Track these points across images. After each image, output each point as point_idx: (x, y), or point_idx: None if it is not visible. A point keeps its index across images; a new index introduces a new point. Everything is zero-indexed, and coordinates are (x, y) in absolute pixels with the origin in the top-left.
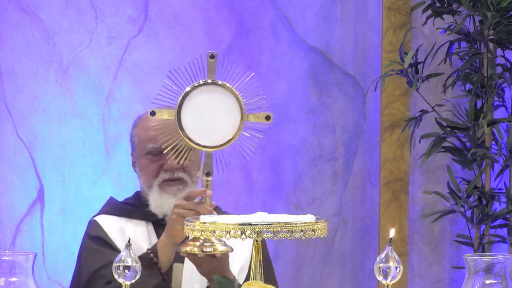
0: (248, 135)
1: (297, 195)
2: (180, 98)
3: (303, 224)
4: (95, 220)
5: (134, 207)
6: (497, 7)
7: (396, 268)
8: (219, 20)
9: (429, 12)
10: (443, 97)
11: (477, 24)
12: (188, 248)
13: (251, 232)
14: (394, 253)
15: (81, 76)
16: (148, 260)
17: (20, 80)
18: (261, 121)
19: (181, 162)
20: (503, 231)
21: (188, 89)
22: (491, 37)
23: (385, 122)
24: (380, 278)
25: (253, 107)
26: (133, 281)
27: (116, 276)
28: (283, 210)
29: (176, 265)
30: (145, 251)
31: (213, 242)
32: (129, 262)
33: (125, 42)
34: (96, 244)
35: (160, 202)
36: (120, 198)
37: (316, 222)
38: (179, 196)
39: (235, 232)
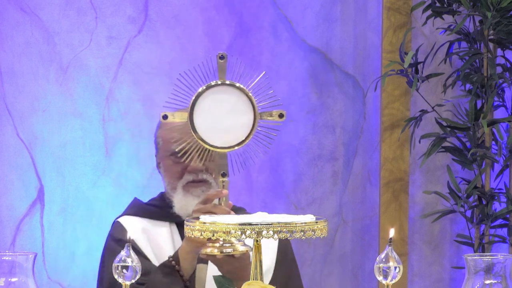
0: (261, 134)
1: (297, 195)
2: (192, 100)
3: (303, 224)
4: (118, 222)
5: (158, 208)
6: (497, 7)
7: (396, 268)
8: (219, 20)
9: (429, 12)
10: (443, 97)
11: (477, 24)
12: (208, 250)
13: (251, 232)
14: (394, 253)
15: (81, 76)
16: (171, 268)
17: (20, 80)
18: (275, 119)
19: (196, 164)
20: (503, 231)
21: (199, 90)
22: (491, 37)
23: (385, 122)
24: (380, 278)
25: (266, 106)
26: (133, 281)
27: (116, 276)
28: (283, 210)
29: (199, 266)
30: (167, 258)
31: (233, 243)
32: (128, 262)
33: (125, 42)
34: (120, 246)
35: (184, 203)
36: (120, 197)
37: (316, 222)
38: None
39: (235, 232)
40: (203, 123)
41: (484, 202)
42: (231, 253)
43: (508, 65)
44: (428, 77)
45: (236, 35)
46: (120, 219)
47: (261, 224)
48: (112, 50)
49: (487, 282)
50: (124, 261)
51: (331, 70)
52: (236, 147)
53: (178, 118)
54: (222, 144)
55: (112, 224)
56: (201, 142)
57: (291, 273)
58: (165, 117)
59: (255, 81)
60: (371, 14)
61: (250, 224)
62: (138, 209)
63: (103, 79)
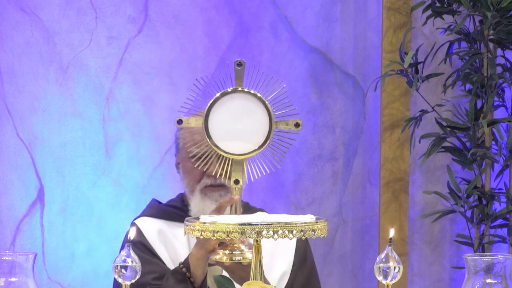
0: (277, 142)
1: (297, 195)
2: (208, 105)
3: (303, 224)
4: (135, 223)
5: (176, 209)
6: (497, 7)
7: (396, 268)
8: (219, 20)
9: (429, 12)
10: (443, 97)
11: (477, 24)
12: (218, 257)
13: (251, 232)
14: (394, 253)
15: (81, 76)
16: (182, 275)
17: (20, 80)
18: (291, 128)
19: (210, 170)
20: (503, 231)
21: (216, 96)
22: (491, 37)
23: (385, 122)
24: (380, 278)
25: (282, 115)
26: (133, 281)
27: (116, 276)
28: (283, 210)
29: (213, 268)
30: (178, 264)
31: (243, 250)
32: (128, 262)
33: (125, 42)
34: (137, 248)
35: (202, 207)
36: (120, 197)
37: (316, 222)
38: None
39: (235, 232)
40: (218, 129)
41: (484, 202)
42: (240, 261)
43: (508, 65)
44: (428, 77)
45: (236, 35)
46: (136, 221)
47: (261, 224)
48: (112, 50)
49: (487, 282)
50: (124, 261)
51: (331, 70)
52: (250, 155)
53: (193, 123)
54: (237, 151)
55: (130, 225)
56: (215, 148)
57: (310, 278)
58: (179, 122)
59: (271, 89)
60: (371, 14)
61: (250, 224)
62: (155, 210)
63: (103, 79)
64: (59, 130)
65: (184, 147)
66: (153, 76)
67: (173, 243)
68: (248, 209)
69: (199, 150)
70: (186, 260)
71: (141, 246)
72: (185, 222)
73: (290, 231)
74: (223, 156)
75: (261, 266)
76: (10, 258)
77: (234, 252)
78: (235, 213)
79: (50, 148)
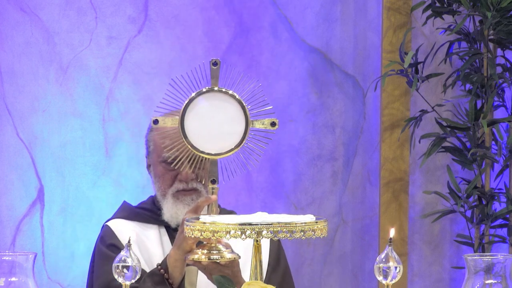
0: (253, 142)
1: (297, 195)
2: (184, 105)
3: (303, 224)
4: (108, 226)
5: (148, 212)
6: (497, 7)
7: (396, 268)
8: (219, 20)
9: (429, 12)
10: (443, 97)
11: (477, 24)
12: (196, 256)
13: (251, 232)
14: (394, 253)
15: (81, 76)
16: (159, 276)
17: (20, 80)
18: (267, 128)
19: (187, 173)
20: (503, 231)
21: (191, 96)
22: (491, 37)
23: (385, 122)
24: (380, 278)
25: (258, 114)
26: (133, 281)
27: (116, 276)
28: (283, 210)
29: (189, 268)
30: (156, 262)
31: (220, 250)
32: (129, 262)
33: (125, 42)
34: (111, 251)
35: (175, 211)
36: (121, 197)
37: (316, 222)
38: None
39: (235, 232)
40: (194, 129)
41: (484, 202)
42: (218, 260)
43: (508, 65)
44: (428, 77)
45: (236, 35)
46: (109, 223)
47: (261, 224)
48: (112, 50)
49: (487, 282)
50: (124, 261)
51: (331, 70)
52: (227, 154)
53: (169, 123)
54: (213, 151)
55: (102, 228)
56: (191, 148)
57: (285, 278)
58: (155, 122)
59: (246, 88)
60: (371, 14)
61: (250, 224)
62: (127, 212)
63: (103, 79)
64: (59, 130)
65: (155, 150)
66: (153, 76)
67: (146, 245)
68: (220, 211)
69: (171, 155)
70: (164, 261)
71: (114, 248)
72: (185, 222)
73: (290, 231)
74: (199, 157)
75: (261, 266)
76: (10, 258)
77: (212, 252)
78: (212, 213)
79: (50, 148)
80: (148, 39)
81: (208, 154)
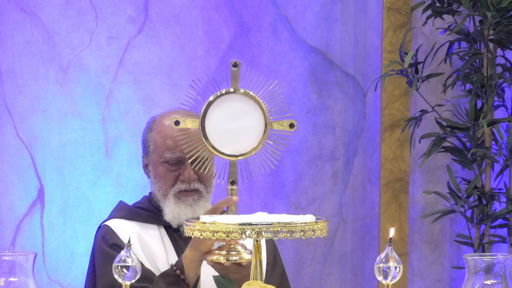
0: (271, 143)
1: (297, 195)
2: (204, 107)
3: (303, 224)
4: (108, 226)
5: (146, 212)
6: (497, 7)
7: (396, 268)
8: (219, 20)
9: (429, 12)
10: (443, 97)
11: (477, 24)
12: (214, 257)
13: (251, 232)
14: (394, 253)
15: (81, 76)
16: (175, 277)
17: (20, 80)
18: (285, 129)
19: (206, 172)
20: (503, 231)
21: (211, 98)
22: (491, 37)
23: (385, 122)
24: (380, 278)
25: (277, 115)
26: (133, 281)
27: (116, 276)
28: (283, 210)
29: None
30: (159, 261)
31: (239, 251)
32: (128, 262)
33: (125, 42)
34: (114, 251)
35: (177, 212)
36: (121, 198)
37: (316, 222)
38: (205, 210)
39: (235, 232)
40: (215, 130)
41: (484, 202)
42: (238, 261)
43: (508, 65)
44: (428, 77)
45: (236, 35)
46: (108, 223)
47: (261, 224)
48: (112, 50)
49: (487, 282)
50: (124, 261)
51: (331, 70)
52: (246, 156)
53: (189, 124)
54: (233, 152)
55: (100, 228)
56: (211, 149)
57: (283, 277)
58: (177, 123)
59: (265, 90)
60: (371, 14)
61: (250, 224)
62: (126, 212)
63: (103, 79)
64: (59, 130)
65: (155, 150)
66: (153, 76)
67: (148, 245)
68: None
69: (173, 155)
70: (179, 262)
71: (117, 247)
72: (185, 222)
73: (290, 231)
74: (211, 159)
75: (261, 266)
76: (10, 258)
77: (231, 253)
78: (232, 213)
79: (50, 148)
80: (148, 39)
81: (228, 155)
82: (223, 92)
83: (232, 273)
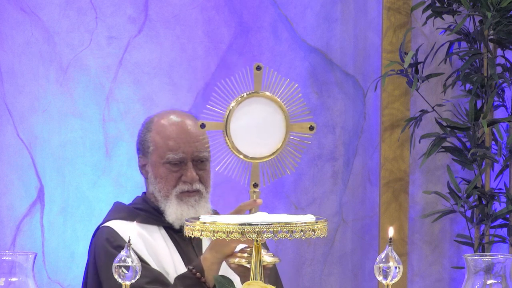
0: (291, 145)
1: (297, 195)
2: (228, 110)
3: (303, 224)
4: (110, 227)
5: (145, 212)
6: (497, 7)
7: (396, 268)
8: (219, 20)
9: (429, 12)
10: (443, 97)
11: (477, 24)
12: (236, 260)
13: (251, 232)
14: (394, 253)
15: (81, 76)
16: (194, 279)
17: (20, 80)
18: (305, 132)
19: (229, 174)
20: (503, 231)
21: (235, 101)
22: (491, 37)
23: (385, 122)
24: (380, 278)
25: (297, 117)
26: (133, 281)
27: (116, 276)
28: (283, 210)
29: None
30: (164, 262)
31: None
32: (128, 262)
33: (125, 42)
34: (119, 252)
35: (180, 213)
36: (121, 198)
37: (316, 222)
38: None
39: (235, 232)
40: (238, 133)
41: (484, 202)
42: (264, 263)
43: (508, 65)
44: (428, 77)
45: (236, 35)
46: (110, 225)
47: (261, 224)
48: (112, 50)
49: (487, 282)
50: (124, 261)
51: (331, 70)
52: (269, 158)
53: (214, 127)
54: (255, 155)
55: (100, 230)
56: (235, 152)
57: (277, 275)
58: (202, 126)
59: (287, 92)
60: (371, 14)
61: (250, 224)
62: (125, 213)
63: (103, 79)
64: (59, 130)
65: (155, 151)
66: (153, 76)
67: (152, 245)
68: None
69: (175, 156)
70: (198, 264)
71: (122, 249)
72: (185, 222)
73: (290, 231)
74: (242, 160)
75: (261, 266)
76: (10, 258)
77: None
78: None
79: (50, 148)
80: (148, 39)
81: (251, 158)
82: (246, 94)
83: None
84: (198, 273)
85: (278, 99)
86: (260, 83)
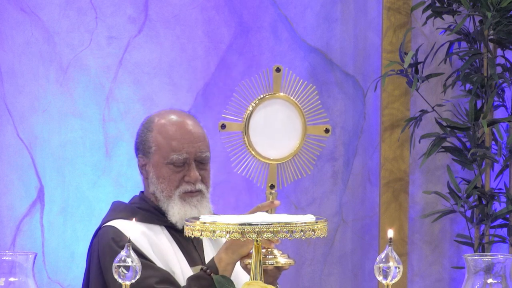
0: (307, 147)
1: (297, 195)
2: (248, 111)
3: (303, 224)
4: (114, 227)
5: (146, 212)
6: (497, 7)
7: (396, 268)
8: (219, 20)
9: (429, 12)
10: (443, 97)
11: (477, 24)
12: (251, 261)
13: (251, 232)
14: (394, 253)
15: (81, 76)
16: (209, 280)
17: (20, 80)
18: (321, 134)
19: (249, 177)
20: (503, 231)
21: (255, 102)
22: (491, 37)
23: (385, 122)
24: (380, 278)
25: (313, 120)
26: (133, 281)
27: (116, 276)
28: (283, 210)
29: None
30: (170, 261)
31: (275, 255)
32: (128, 262)
33: (125, 42)
34: None
35: (184, 213)
36: (121, 197)
37: (316, 222)
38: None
39: (235, 232)
40: (257, 134)
41: (484, 202)
42: (275, 265)
43: (508, 65)
44: (428, 77)
45: (236, 35)
46: (113, 224)
47: (261, 224)
48: (112, 50)
49: (487, 282)
50: (124, 261)
51: (331, 70)
52: (285, 160)
53: (234, 128)
54: (273, 156)
55: (102, 230)
56: (254, 154)
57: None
58: (223, 126)
59: (305, 94)
60: (371, 14)
61: (250, 224)
62: (127, 212)
63: (103, 79)
64: (59, 130)
65: (158, 151)
66: (153, 76)
67: (157, 245)
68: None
69: (179, 157)
70: (212, 264)
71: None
72: (185, 222)
73: (290, 231)
74: (260, 162)
75: (261, 266)
76: (10, 258)
77: (267, 256)
78: None
79: (50, 148)
80: (148, 39)
81: (269, 159)
82: (265, 96)
83: (269, 277)
84: (212, 274)
85: (296, 101)
86: (279, 85)
